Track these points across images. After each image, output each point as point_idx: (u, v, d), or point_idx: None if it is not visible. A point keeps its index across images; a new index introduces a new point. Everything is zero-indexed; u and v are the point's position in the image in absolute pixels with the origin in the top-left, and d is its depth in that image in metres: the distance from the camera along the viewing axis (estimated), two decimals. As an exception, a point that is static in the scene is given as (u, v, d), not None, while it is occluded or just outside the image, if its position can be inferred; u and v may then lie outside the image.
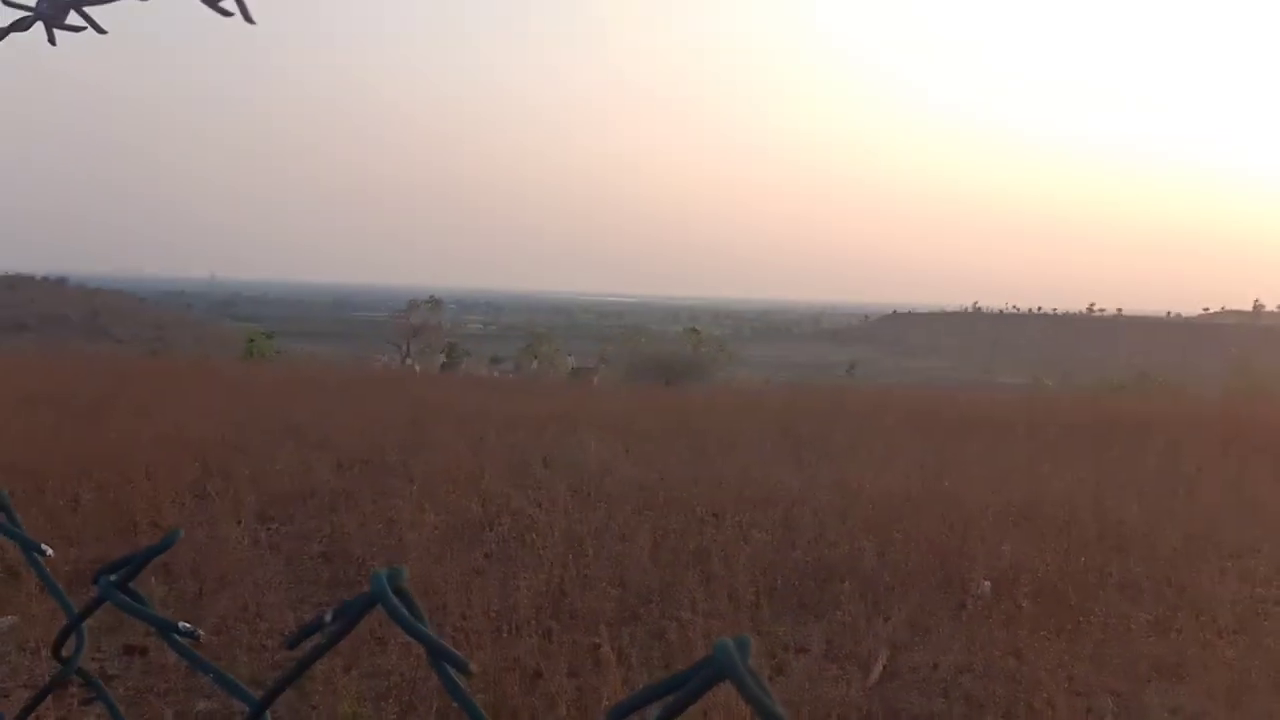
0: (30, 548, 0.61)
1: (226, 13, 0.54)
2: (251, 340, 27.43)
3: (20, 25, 0.64)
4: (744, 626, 5.34)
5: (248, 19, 0.54)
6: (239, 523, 6.93)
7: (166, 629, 0.53)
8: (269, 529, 7.25)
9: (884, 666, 5.29)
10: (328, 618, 0.42)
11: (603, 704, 4.34)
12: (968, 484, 8.60)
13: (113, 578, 0.55)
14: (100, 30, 0.58)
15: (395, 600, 0.39)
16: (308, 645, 0.45)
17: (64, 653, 0.62)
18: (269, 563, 6.24)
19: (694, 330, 25.98)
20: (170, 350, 34.24)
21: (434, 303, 27.46)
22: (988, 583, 6.35)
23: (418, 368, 24.65)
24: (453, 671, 0.37)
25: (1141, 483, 9.17)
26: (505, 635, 5.16)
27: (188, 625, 0.51)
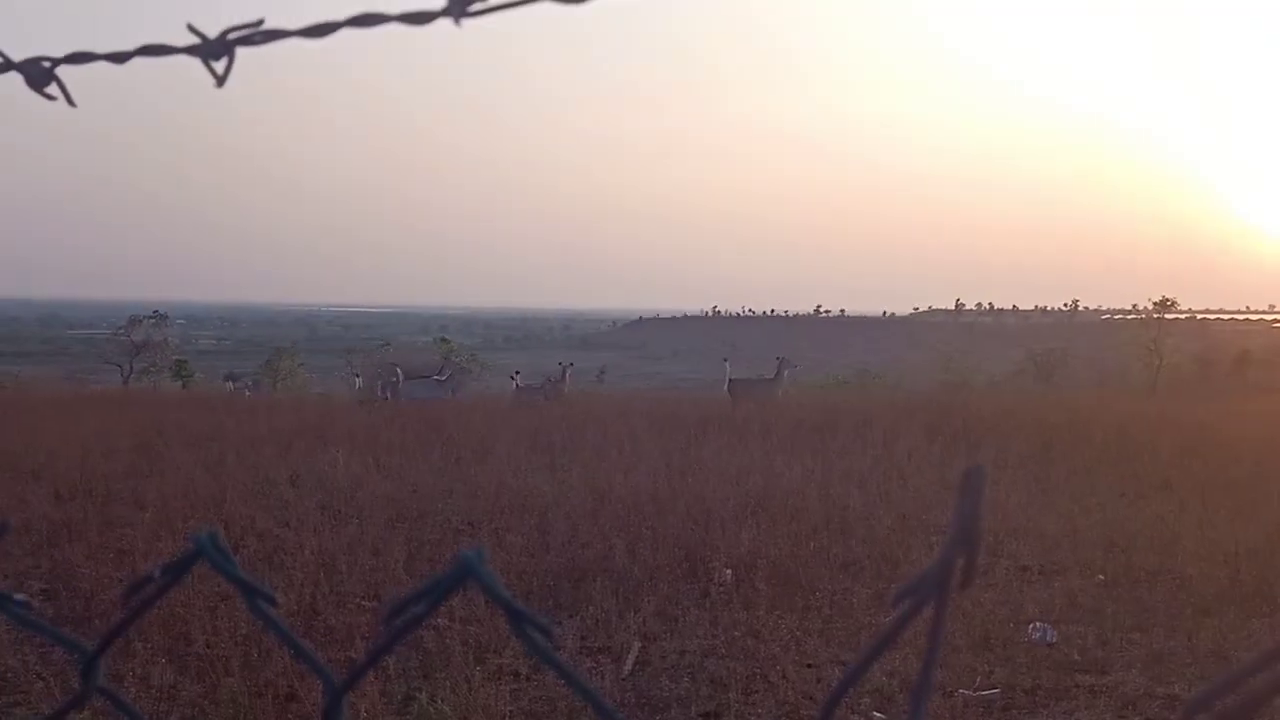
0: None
1: (50, 97, 0.61)
2: (-58, 363, 24.45)
3: None
4: (501, 630, 5.46)
5: (70, 103, 0.62)
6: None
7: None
8: (-24, 570, 6.61)
9: (635, 657, 5.58)
10: (156, 572, 0.50)
11: (360, 717, 4.32)
12: (709, 480, 9.13)
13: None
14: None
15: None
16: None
17: None
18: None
19: (444, 340, 25.70)
20: None
21: (159, 318, 25.54)
22: (729, 570, 6.80)
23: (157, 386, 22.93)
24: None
25: (862, 471, 10.07)
26: (255, 658, 5.01)
27: (21, 596, 0.58)
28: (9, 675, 4.99)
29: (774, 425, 13.26)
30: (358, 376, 19.48)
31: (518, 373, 18.17)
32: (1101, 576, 6.96)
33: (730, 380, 16.71)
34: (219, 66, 0.59)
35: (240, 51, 0.60)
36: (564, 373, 18.16)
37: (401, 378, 18.05)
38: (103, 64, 0.63)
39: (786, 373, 16.83)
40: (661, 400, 17.78)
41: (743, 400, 15.70)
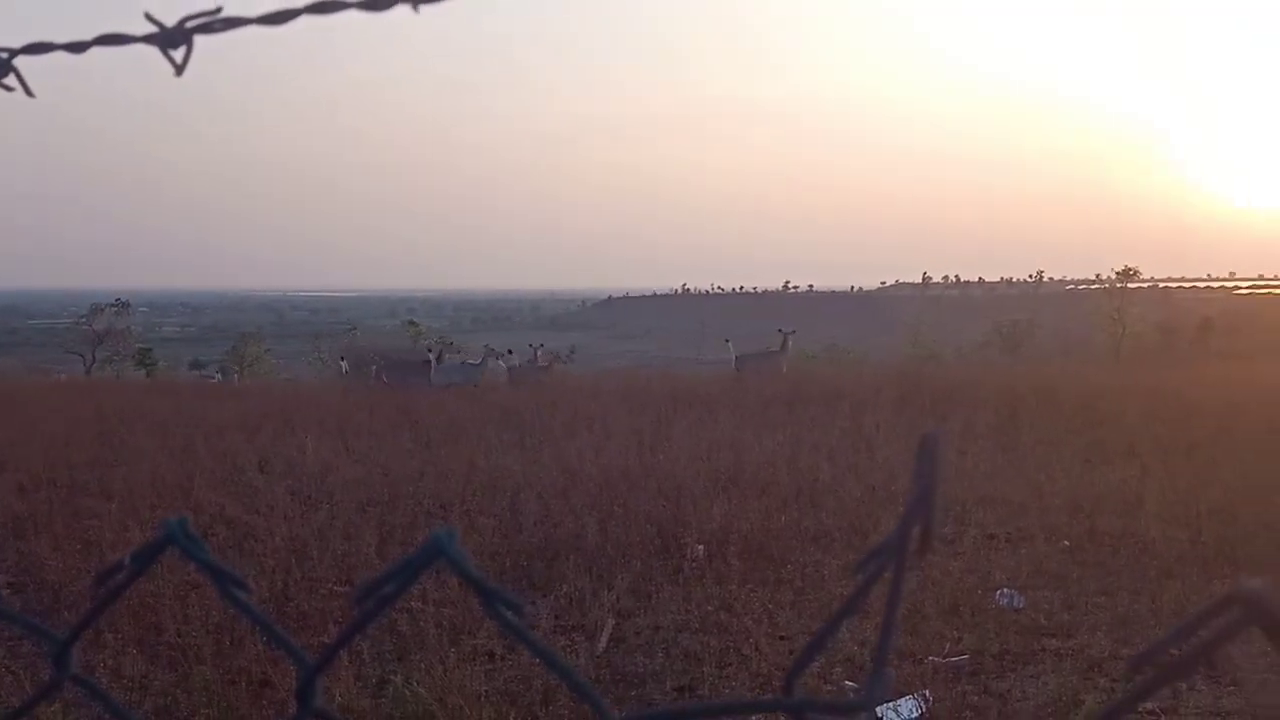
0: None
1: (8, 88, 0.61)
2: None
3: None
4: (475, 610, 5.47)
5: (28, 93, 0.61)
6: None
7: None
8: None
9: (610, 634, 5.61)
10: (126, 560, 0.51)
11: (336, 701, 4.33)
12: (680, 457, 9.16)
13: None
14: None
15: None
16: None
17: None
18: (-55, 601, 5.64)
19: (412, 323, 25.57)
20: None
21: (121, 306, 25.19)
22: (701, 546, 6.85)
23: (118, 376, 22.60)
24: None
25: (831, 444, 10.15)
26: (227, 646, 5.00)
27: None
28: (-22, 670, 4.95)
29: (743, 401, 13.32)
30: (343, 360, 19.06)
31: (510, 351, 18.08)
32: (1067, 542, 7.08)
33: (737, 357, 17.00)
34: (178, 55, 0.59)
35: (202, 37, 0.59)
36: (534, 354, 18.19)
37: (435, 362, 17.55)
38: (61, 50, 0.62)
39: (790, 344, 17.23)
40: (631, 378, 17.78)
41: (751, 375, 15.94)
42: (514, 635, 0.45)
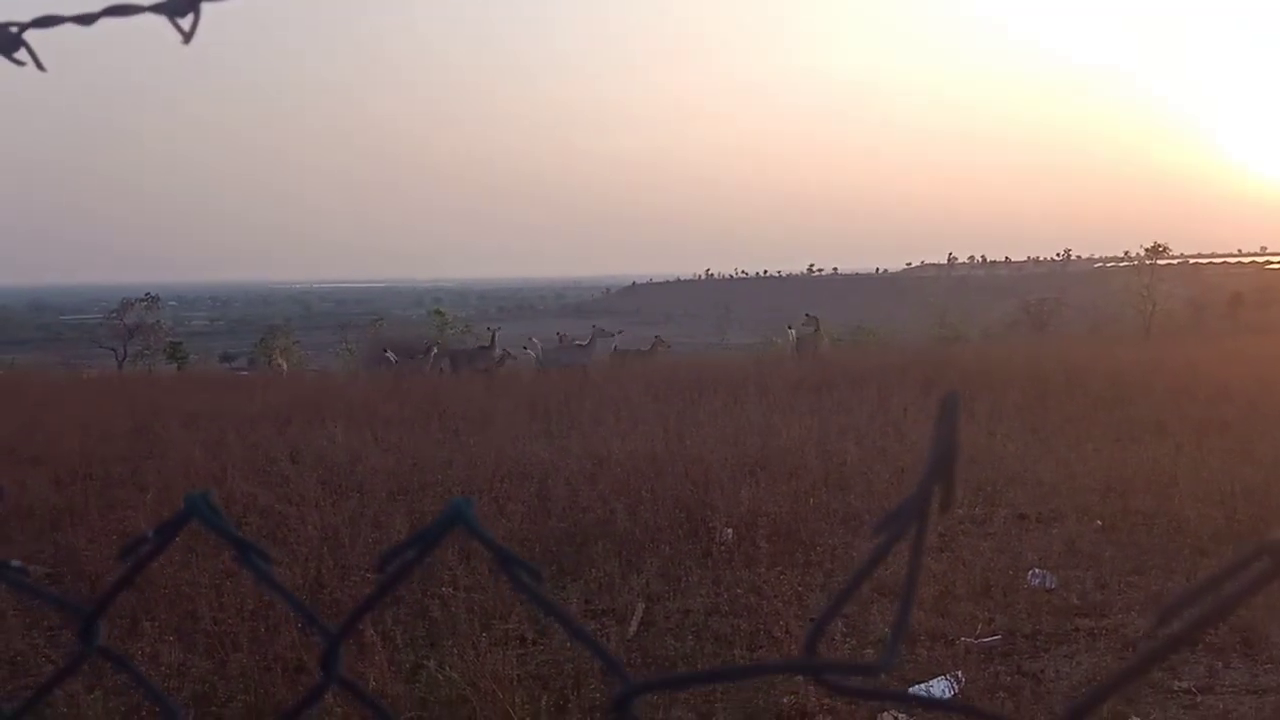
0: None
1: (19, 63, 0.61)
2: (-65, 353, 24.37)
3: None
4: (504, 595, 5.50)
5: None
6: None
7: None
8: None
9: (640, 618, 5.63)
10: (150, 533, 0.51)
11: (370, 685, 4.37)
12: (707, 441, 9.15)
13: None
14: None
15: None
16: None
17: None
18: (-14, 592, 5.74)
19: (439, 312, 25.63)
20: None
21: (151, 300, 25.42)
22: (730, 529, 6.85)
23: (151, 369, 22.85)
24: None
25: (859, 428, 10.11)
26: (263, 633, 5.06)
27: (18, 563, 0.59)
28: (18, 659, 5.04)
29: (770, 385, 13.28)
30: (387, 352, 19.16)
31: (620, 331, 19.43)
32: (1099, 521, 7.02)
33: (798, 339, 19.35)
34: (185, 24, 0.58)
35: (209, 5, 0.59)
36: (560, 340, 18.60)
37: (541, 348, 18.21)
38: (81, 35, 0.62)
39: (820, 327, 19.40)
40: (655, 364, 17.78)
41: (806, 355, 18.21)
42: (529, 597, 0.45)
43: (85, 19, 0.61)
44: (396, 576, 0.48)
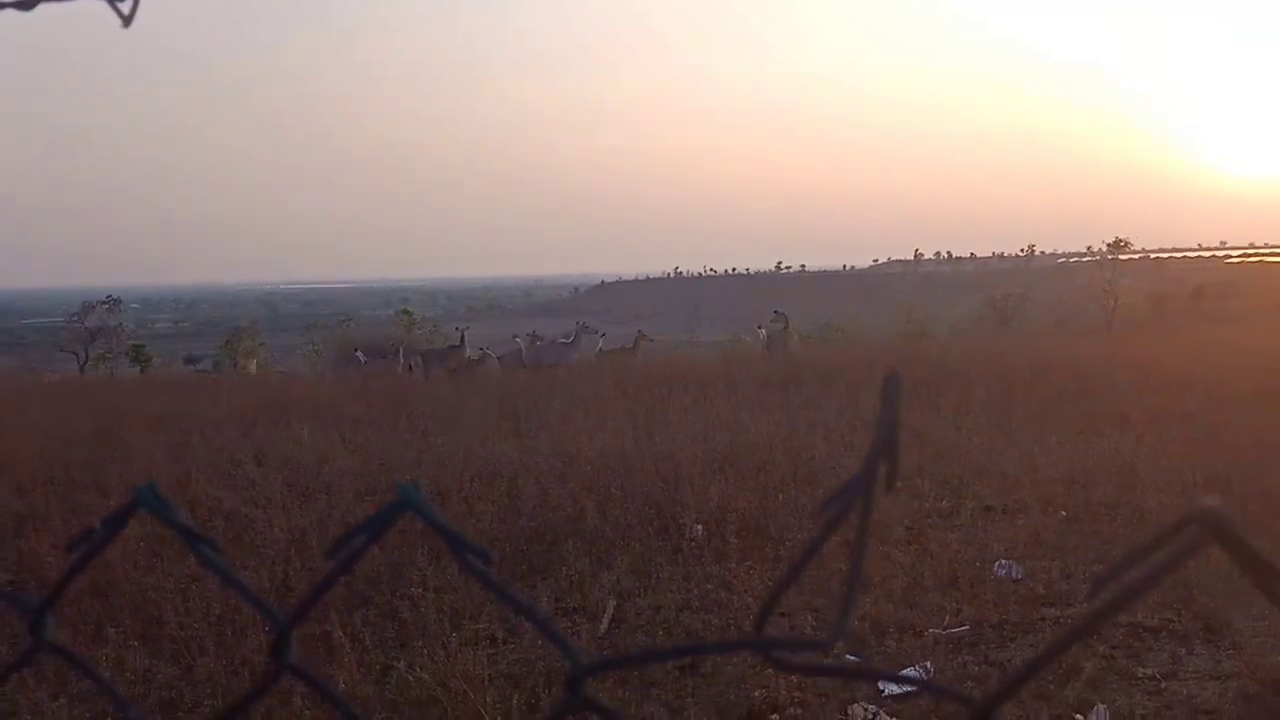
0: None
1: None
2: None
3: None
4: (475, 596, 5.49)
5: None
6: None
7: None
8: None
9: (611, 615, 5.63)
10: (97, 527, 0.51)
11: (339, 688, 4.34)
12: (676, 438, 9.17)
13: None
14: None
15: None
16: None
17: None
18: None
19: (406, 312, 25.51)
20: None
21: (113, 302, 25.07)
22: (700, 525, 6.87)
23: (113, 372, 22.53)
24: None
25: (827, 423, 10.17)
26: (230, 637, 5.02)
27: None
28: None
29: (739, 382, 13.33)
30: (358, 352, 19.04)
31: (602, 334, 19.04)
32: (1063, 512, 7.10)
33: (769, 338, 19.24)
34: (124, 7, 0.58)
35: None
36: (531, 340, 18.50)
37: (524, 347, 18.24)
38: (26, 27, 0.61)
39: (789, 324, 19.45)
40: (624, 362, 17.79)
41: (776, 353, 18.00)
42: (478, 578, 0.45)
43: (24, 4, 0.60)
44: (347, 562, 0.48)
